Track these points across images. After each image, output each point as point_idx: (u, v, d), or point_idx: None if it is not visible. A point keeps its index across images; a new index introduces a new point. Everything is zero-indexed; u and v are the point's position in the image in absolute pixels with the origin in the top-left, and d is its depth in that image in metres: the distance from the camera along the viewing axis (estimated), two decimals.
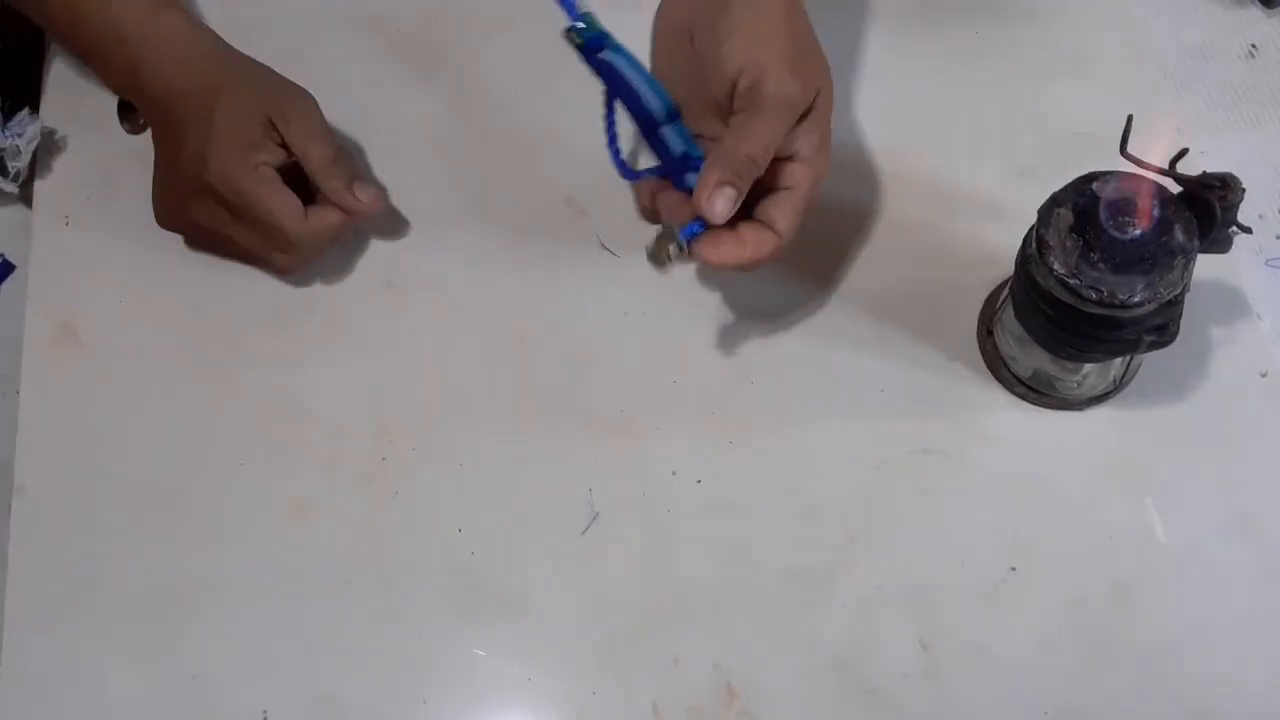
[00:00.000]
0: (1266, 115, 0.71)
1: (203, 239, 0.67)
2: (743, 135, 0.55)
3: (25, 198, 0.71)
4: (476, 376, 0.65)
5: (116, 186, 0.70)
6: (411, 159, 0.70)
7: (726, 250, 0.56)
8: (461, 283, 0.68)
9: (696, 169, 0.58)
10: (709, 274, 0.67)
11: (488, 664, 0.60)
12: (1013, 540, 0.61)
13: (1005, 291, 0.62)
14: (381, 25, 0.74)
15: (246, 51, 0.66)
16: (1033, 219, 0.55)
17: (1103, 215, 0.53)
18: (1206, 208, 0.53)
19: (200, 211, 0.64)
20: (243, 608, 0.61)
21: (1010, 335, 0.61)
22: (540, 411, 0.64)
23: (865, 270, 0.67)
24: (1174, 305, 0.55)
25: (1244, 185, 0.54)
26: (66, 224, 0.70)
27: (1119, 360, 0.60)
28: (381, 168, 0.70)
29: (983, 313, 0.65)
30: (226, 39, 0.66)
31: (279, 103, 0.64)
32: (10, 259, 0.71)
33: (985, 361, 0.64)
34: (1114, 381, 0.62)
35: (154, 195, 0.66)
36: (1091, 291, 0.53)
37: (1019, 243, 0.57)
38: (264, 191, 0.62)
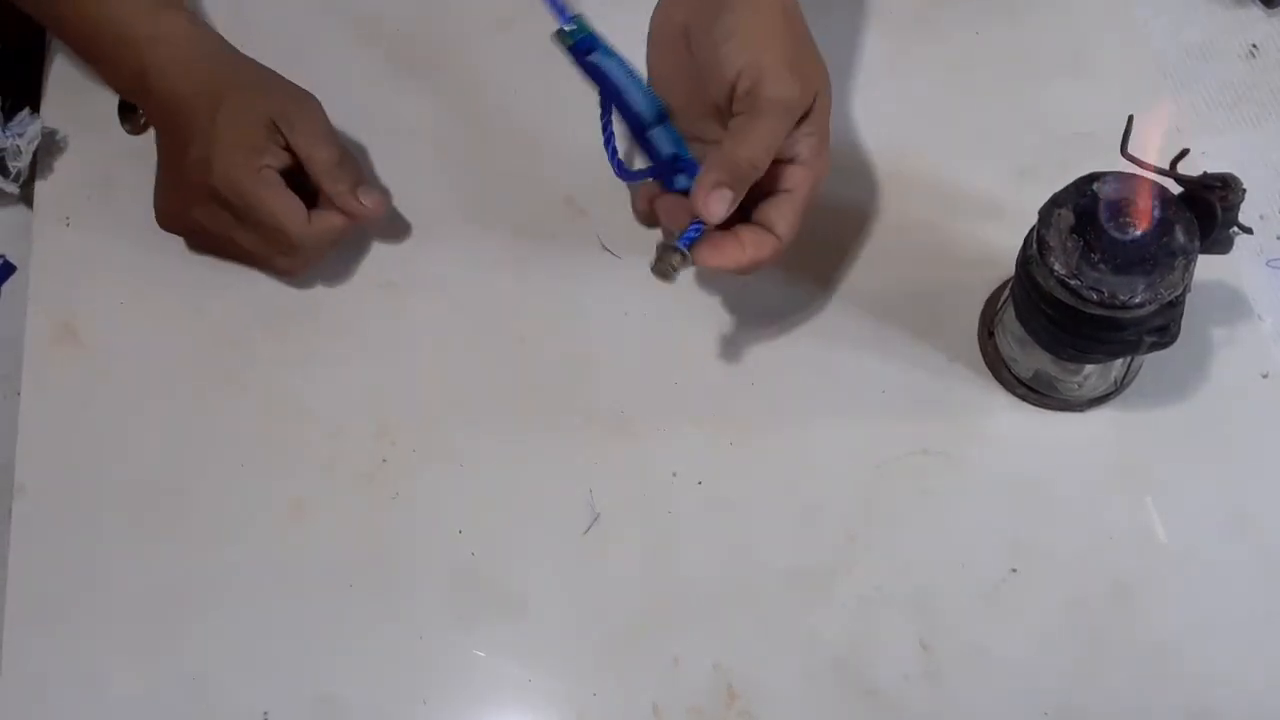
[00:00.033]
0: (1267, 115, 0.71)
1: (205, 242, 0.67)
2: (741, 138, 0.55)
3: (26, 198, 0.71)
4: (476, 376, 0.65)
5: (117, 187, 0.70)
6: (411, 159, 0.70)
7: (726, 253, 0.56)
8: (461, 283, 0.68)
9: (686, 170, 0.58)
10: (709, 275, 0.67)
11: (488, 664, 0.60)
12: (1013, 540, 0.61)
13: (1006, 292, 0.62)
14: (381, 25, 0.74)
15: (245, 52, 0.66)
16: (1033, 219, 0.55)
17: (1103, 216, 0.53)
18: (1207, 208, 0.53)
19: (203, 214, 0.64)
20: (243, 608, 0.61)
21: (1011, 336, 0.61)
22: (540, 412, 0.64)
23: (866, 271, 0.67)
24: (1175, 306, 0.55)
25: (1245, 185, 0.54)
26: (67, 224, 0.70)
27: (1120, 361, 0.60)
28: (381, 168, 0.70)
29: (983, 313, 0.65)
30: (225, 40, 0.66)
31: (283, 106, 0.64)
32: (11, 260, 0.71)
33: (986, 362, 0.64)
34: (1115, 382, 0.62)
35: (156, 197, 0.66)
36: (1092, 292, 0.53)
37: (1019, 243, 0.57)
38: (267, 194, 0.62)
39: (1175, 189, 0.54)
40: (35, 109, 0.71)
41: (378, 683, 0.59)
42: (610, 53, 0.58)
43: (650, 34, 0.61)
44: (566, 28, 0.58)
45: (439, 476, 0.63)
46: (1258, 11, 0.74)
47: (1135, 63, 0.72)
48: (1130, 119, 0.53)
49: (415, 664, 0.60)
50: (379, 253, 0.69)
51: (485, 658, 0.60)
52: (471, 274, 0.68)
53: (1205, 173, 0.54)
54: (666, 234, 0.63)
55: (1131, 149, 0.53)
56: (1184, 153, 0.54)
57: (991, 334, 0.64)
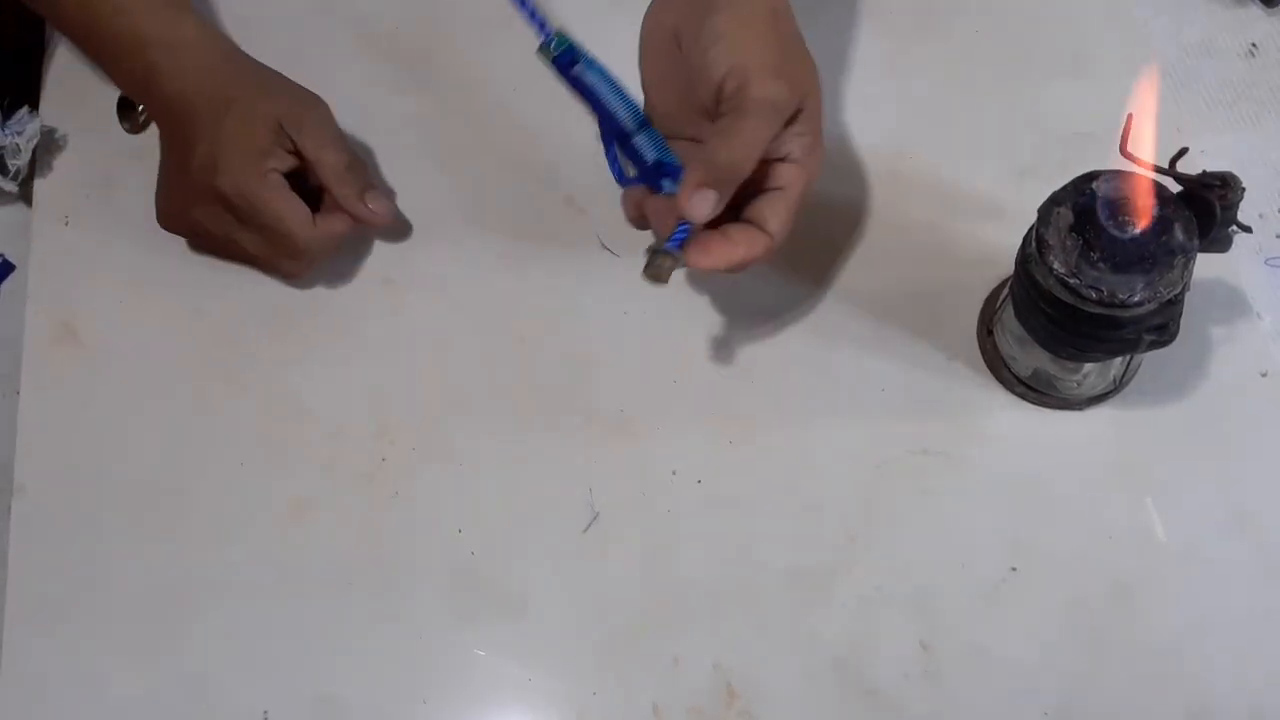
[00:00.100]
0: (1266, 114, 0.71)
1: (207, 243, 0.67)
2: (725, 139, 0.55)
3: (25, 197, 0.71)
4: (476, 376, 0.65)
5: (116, 186, 0.70)
6: (411, 159, 0.70)
7: (715, 253, 0.56)
8: (461, 282, 0.68)
9: (671, 175, 0.58)
10: (708, 275, 0.66)
11: (488, 664, 0.60)
12: (1013, 540, 0.61)
13: (1005, 291, 0.62)
14: (381, 25, 0.74)
15: (246, 52, 0.66)
16: (1033, 219, 0.55)
17: (1102, 214, 0.53)
18: (1206, 207, 0.53)
19: (207, 216, 0.64)
20: (243, 608, 0.61)
21: (1010, 335, 0.61)
22: (540, 411, 0.64)
23: (865, 270, 0.67)
24: (1174, 304, 0.55)
25: (1244, 184, 0.54)
26: (66, 224, 0.70)
27: (1119, 360, 0.60)
28: (382, 167, 0.70)
29: (983, 312, 0.65)
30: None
31: (291, 109, 0.64)
32: (10, 259, 0.71)
33: (985, 361, 0.64)
34: (1114, 381, 0.62)
35: (158, 198, 0.66)
36: (1091, 291, 0.53)
37: (1019, 242, 0.57)
38: (273, 198, 0.62)
39: (1174, 187, 0.54)
40: (34, 107, 0.71)
41: (378, 682, 0.59)
42: (592, 63, 0.59)
43: (642, 38, 0.61)
44: (549, 43, 0.58)
45: (438, 476, 0.63)
46: (1257, 10, 0.74)
47: (1135, 63, 0.71)
48: (1130, 118, 0.54)
49: (415, 664, 0.60)
50: (379, 252, 0.69)
51: (485, 657, 0.60)
52: (471, 273, 0.68)
53: (1204, 171, 0.54)
54: (658, 238, 0.63)
55: (1130, 145, 0.53)
56: (1183, 151, 0.54)
57: (991, 333, 0.64)
